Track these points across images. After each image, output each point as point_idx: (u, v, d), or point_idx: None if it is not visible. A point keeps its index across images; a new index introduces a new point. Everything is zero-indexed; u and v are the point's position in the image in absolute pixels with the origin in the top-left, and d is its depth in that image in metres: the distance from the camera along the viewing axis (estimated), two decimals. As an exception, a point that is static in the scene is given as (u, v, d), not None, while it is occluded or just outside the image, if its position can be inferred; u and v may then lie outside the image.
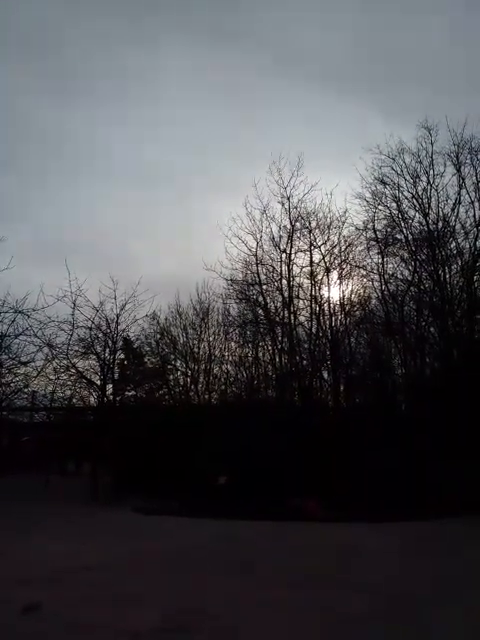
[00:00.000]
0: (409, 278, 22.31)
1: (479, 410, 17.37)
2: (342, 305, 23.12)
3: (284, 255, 23.09)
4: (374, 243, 22.67)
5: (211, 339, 25.44)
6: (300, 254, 23.20)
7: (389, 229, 22.65)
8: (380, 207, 22.70)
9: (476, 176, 21.37)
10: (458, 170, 21.60)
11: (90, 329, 22.11)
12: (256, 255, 23.29)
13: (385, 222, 22.71)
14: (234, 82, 59.22)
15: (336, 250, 23.07)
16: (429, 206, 21.97)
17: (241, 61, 61.05)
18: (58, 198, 58.63)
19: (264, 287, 23.49)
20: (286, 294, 22.96)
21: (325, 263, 23.05)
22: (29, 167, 63.11)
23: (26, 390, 22.06)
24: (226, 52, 61.10)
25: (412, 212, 22.48)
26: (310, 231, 23.11)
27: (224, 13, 59.84)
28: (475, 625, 5.86)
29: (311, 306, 22.92)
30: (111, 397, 23.51)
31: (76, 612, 6.22)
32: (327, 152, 51.59)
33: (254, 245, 23.32)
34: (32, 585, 7.35)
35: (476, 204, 21.19)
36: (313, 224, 23.13)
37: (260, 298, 23.59)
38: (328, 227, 23.00)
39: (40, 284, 18.51)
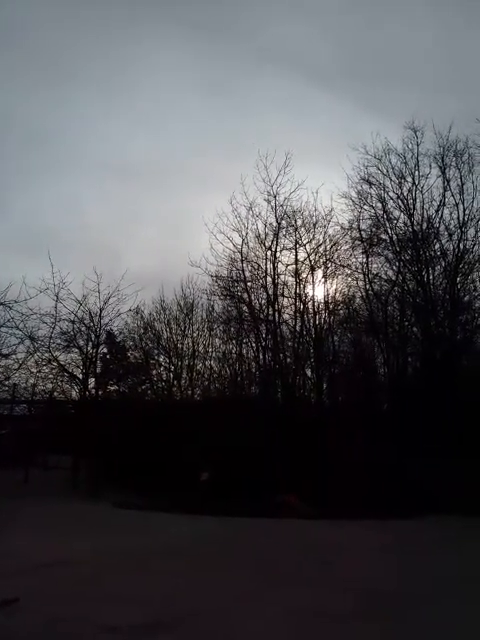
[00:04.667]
0: (393, 278, 22.50)
1: (459, 410, 17.61)
2: (326, 304, 23.23)
3: (269, 253, 23.11)
4: (359, 243, 22.82)
5: (195, 335, 25.41)
6: (285, 252, 23.26)
7: (374, 229, 22.82)
8: (365, 207, 22.86)
9: (460, 178, 21.63)
10: (443, 172, 21.82)
11: (73, 322, 21.93)
12: (241, 252, 23.29)
13: (370, 222, 22.89)
14: (221, 79, 59.04)
15: (321, 249, 23.18)
16: (414, 207, 22.17)
17: (228, 58, 60.80)
18: (42, 190, 57.87)
19: (249, 284, 23.52)
20: (271, 291, 22.99)
21: (310, 261, 23.14)
22: (12, 158, 62.20)
23: (6, 383, 21.80)
24: (213, 48, 60.83)
25: (397, 213, 22.68)
26: (296, 229, 23.17)
27: (210, 8, 59.47)
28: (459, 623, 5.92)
29: (295, 304, 22.99)
30: (93, 391, 23.38)
31: (54, 607, 6.17)
32: (314, 150, 51.60)
33: (239, 242, 23.29)
34: (10, 579, 7.28)
35: (460, 206, 21.45)
36: (299, 222, 23.19)
37: (245, 295, 23.61)
38: (314, 226, 23.09)
39: (22, 275, 18.28)
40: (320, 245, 23.10)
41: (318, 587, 7.34)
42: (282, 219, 23.16)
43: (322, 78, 58.90)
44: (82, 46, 57.07)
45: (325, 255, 23.21)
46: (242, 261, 23.29)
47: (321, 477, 16.39)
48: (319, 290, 23.43)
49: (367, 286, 22.81)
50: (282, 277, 23.19)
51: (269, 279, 23.08)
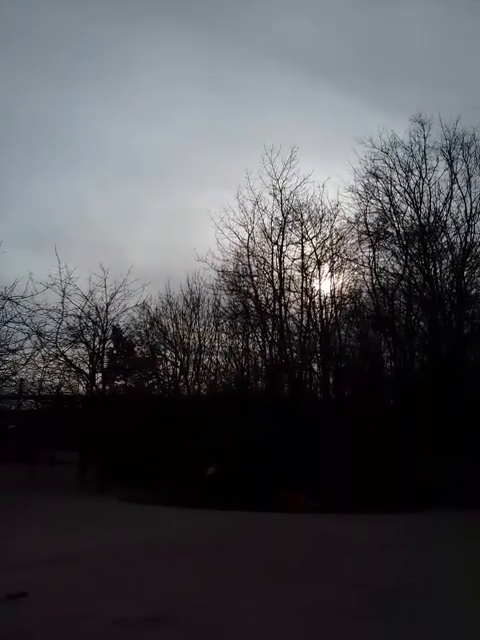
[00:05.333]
0: (400, 272, 22.42)
1: (466, 404, 17.53)
2: (333, 298, 23.21)
3: (275, 247, 23.13)
4: (365, 236, 22.76)
5: (201, 330, 25.42)
6: (291, 246, 23.27)
7: (381, 223, 22.75)
8: (372, 200, 22.79)
9: (468, 171, 21.51)
10: (450, 165, 21.70)
11: (79, 317, 22.01)
12: (247, 246, 23.31)
13: (377, 216, 22.82)
14: (224, 73, 58.69)
15: (327, 243, 23.16)
16: (421, 200, 22.07)
17: (231, 52, 60.52)
18: (46, 186, 57.91)
19: (255, 279, 23.53)
20: (277, 286, 23.00)
21: (316, 256, 23.11)
22: (15, 155, 62.26)
23: (14, 378, 21.90)
24: (216, 43, 60.51)
25: (404, 206, 22.59)
26: (302, 223, 23.16)
27: (212, 2, 59.21)
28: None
29: (302, 298, 22.98)
30: (100, 386, 23.46)
31: (61, 601, 6.20)
32: (319, 144, 51.29)
33: (245, 236, 23.33)
34: (16, 573, 7.31)
35: (467, 199, 21.34)
36: (305, 216, 23.19)
37: (251, 290, 23.62)
38: (320, 220, 23.06)
39: (29, 271, 18.33)
40: (326, 239, 23.11)
41: (322, 582, 7.32)
42: (288, 213, 23.20)
43: (325, 72, 58.59)
44: (83, 42, 56.88)
45: (331, 249, 23.21)
46: (248, 256, 23.32)
47: (326, 471, 16.38)
48: (325, 284, 23.45)
49: (374, 280, 22.77)
50: (288, 271, 23.26)
51: (275, 273, 23.13)
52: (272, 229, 23.17)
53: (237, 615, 5.83)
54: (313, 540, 10.91)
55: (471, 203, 21.21)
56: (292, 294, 23.23)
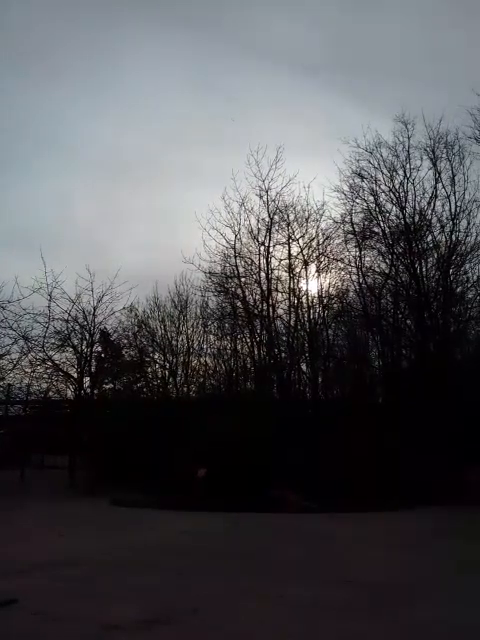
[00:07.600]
0: (386, 271, 22.57)
1: (454, 401, 17.68)
2: (320, 298, 23.31)
3: (262, 248, 23.19)
4: (352, 236, 22.89)
5: (189, 332, 25.43)
6: (278, 247, 23.36)
7: (366, 222, 22.86)
8: (358, 200, 22.91)
9: (452, 170, 21.69)
10: (434, 164, 21.87)
11: (67, 321, 21.94)
12: (234, 248, 23.33)
13: (362, 215, 22.94)
14: (210, 74, 58.75)
15: (314, 243, 23.26)
16: (406, 200, 22.22)
17: (220, 51, 60.58)
18: (32, 188, 57.57)
19: (242, 280, 23.57)
20: (265, 287, 23.05)
21: (303, 256, 23.21)
22: (1, 154, 61.76)
23: (1, 383, 21.79)
24: (205, 42, 60.54)
25: (389, 206, 22.73)
26: (288, 224, 23.24)
27: (198, 3, 59.28)
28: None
29: (289, 299, 23.06)
30: (88, 390, 23.35)
31: (54, 605, 6.16)
32: (306, 144, 51.53)
33: (232, 237, 23.37)
34: (9, 579, 7.26)
35: (451, 198, 21.52)
36: (291, 217, 23.29)
37: (239, 291, 23.68)
38: (306, 220, 23.17)
39: (15, 275, 18.21)
40: (313, 239, 23.20)
41: (319, 581, 7.36)
42: (274, 214, 23.26)
43: (311, 73, 58.85)
44: (70, 43, 56.69)
45: (318, 249, 23.32)
46: (235, 257, 23.36)
47: (317, 471, 16.43)
48: (313, 284, 23.55)
49: (360, 279, 22.90)
50: (275, 272, 23.33)
51: (263, 274, 23.18)
52: (259, 230, 23.28)
53: (233, 615, 5.84)
54: (307, 539, 10.95)
55: (455, 202, 21.43)
56: (280, 294, 23.35)
